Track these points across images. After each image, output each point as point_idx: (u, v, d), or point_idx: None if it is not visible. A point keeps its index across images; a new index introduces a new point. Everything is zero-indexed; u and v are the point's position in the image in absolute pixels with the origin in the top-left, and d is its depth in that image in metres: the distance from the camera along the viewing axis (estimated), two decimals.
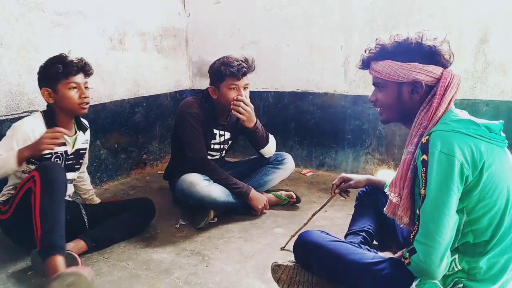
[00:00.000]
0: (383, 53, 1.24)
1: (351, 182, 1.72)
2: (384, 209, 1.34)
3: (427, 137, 1.11)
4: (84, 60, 1.84)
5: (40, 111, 1.86)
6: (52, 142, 1.63)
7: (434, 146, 1.07)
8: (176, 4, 3.42)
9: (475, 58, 2.42)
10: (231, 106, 2.20)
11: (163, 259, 1.84)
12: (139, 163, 3.19)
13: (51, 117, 1.82)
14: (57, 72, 1.76)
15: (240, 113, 2.19)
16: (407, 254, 1.13)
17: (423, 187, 1.10)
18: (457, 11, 2.42)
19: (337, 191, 1.74)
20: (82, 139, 1.98)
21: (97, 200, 2.25)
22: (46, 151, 1.70)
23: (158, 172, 3.19)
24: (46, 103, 1.86)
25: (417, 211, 1.11)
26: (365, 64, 1.31)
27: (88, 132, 2.06)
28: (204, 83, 3.45)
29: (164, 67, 3.35)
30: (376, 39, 1.27)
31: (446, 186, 1.05)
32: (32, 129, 1.75)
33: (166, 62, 3.36)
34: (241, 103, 2.18)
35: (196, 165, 2.23)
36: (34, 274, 1.72)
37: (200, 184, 2.15)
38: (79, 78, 1.82)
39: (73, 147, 1.92)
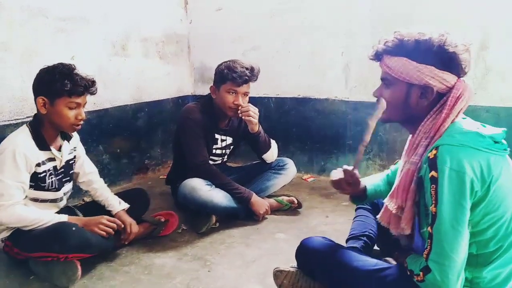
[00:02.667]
0: (400, 48, 1.15)
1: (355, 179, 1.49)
2: (377, 216, 1.31)
3: (434, 151, 1.07)
4: (92, 79, 1.73)
5: (26, 124, 1.74)
6: (106, 230, 1.70)
7: (443, 163, 1.04)
8: (178, 11, 3.45)
9: (475, 65, 2.43)
10: (240, 114, 2.22)
11: (165, 264, 1.84)
12: (141, 168, 3.19)
13: (38, 131, 1.71)
14: (63, 88, 1.63)
15: (252, 117, 2.23)
16: (420, 272, 1.10)
17: (433, 205, 1.06)
18: (457, 18, 2.43)
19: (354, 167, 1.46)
20: (68, 149, 1.86)
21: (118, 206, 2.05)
22: (41, 170, 1.70)
23: (160, 177, 3.20)
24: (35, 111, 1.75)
25: (429, 229, 1.09)
26: (378, 56, 1.22)
27: (74, 140, 1.92)
28: (206, 89, 3.45)
29: (166, 73, 3.37)
30: (395, 32, 1.18)
31: (458, 204, 1.03)
32: (30, 153, 1.65)
33: (168, 68, 3.38)
34: (249, 107, 2.22)
35: (198, 170, 2.24)
36: (35, 279, 1.72)
37: (202, 189, 2.16)
38: (82, 98, 1.71)
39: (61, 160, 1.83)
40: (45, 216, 1.66)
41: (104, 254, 1.88)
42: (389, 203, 1.24)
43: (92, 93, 1.76)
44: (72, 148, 1.91)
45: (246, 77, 2.18)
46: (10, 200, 1.60)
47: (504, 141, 1.12)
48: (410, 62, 1.14)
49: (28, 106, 2.30)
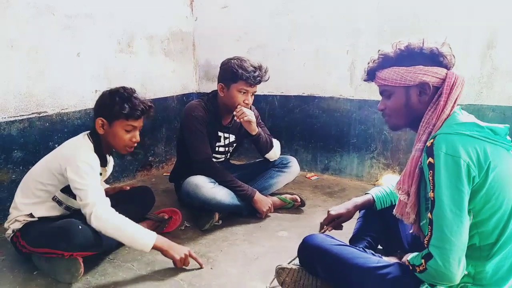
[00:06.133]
0: (387, 61, 1.26)
1: (343, 218, 1.64)
2: (394, 210, 1.35)
3: (431, 140, 1.12)
4: (149, 104, 1.79)
5: (88, 135, 1.78)
6: (186, 263, 1.74)
7: (439, 149, 1.08)
8: (184, 8, 3.45)
9: (482, 64, 2.42)
10: (236, 118, 2.23)
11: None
12: (145, 165, 3.21)
13: (100, 149, 1.77)
14: (121, 111, 1.70)
15: (249, 116, 2.22)
16: (422, 260, 1.12)
17: (431, 190, 1.10)
18: (464, 17, 2.41)
19: (330, 228, 1.65)
20: (112, 165, 1.98)
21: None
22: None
23: (164, 174, 3.21)
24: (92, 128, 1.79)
25: (429, 215, 1.12)
26: (370, 75, 1.33)
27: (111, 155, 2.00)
28: (210, 86, 3.48)
29: (171, 70, 3.37)
30: (379, 50, 1.30)
31: (455, 188, 1.06)
32: (98, 167, 1.72)
33: (173, 65, 3.39)
34: (243, 109, 2.20)
35: (201, 167, 2.24)
36: (39, 274, 1.73)
37: (205, 186, 2.16)
38: (139, 122, 1.77)
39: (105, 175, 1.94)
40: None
41: (108, 251, 1.89)
42: (398, 191, 1.28)
43: (149, 117, 1.83)
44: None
45: (259, 78, 2.18)
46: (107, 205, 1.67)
47: (508, 137, 1.15)
48: (399, 68, 1.24)
49: (33, 103, 2.32)
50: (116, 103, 1.70)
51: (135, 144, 1.81)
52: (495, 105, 2.41)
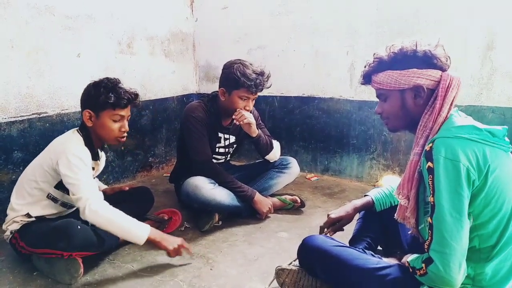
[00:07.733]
0: (382, 65, 1.27)
1: (343, 221, 1.65)
2: (395, 215, 1.34)
3: (430, 144, 1.12)
4: (135, 92, 1.79)
5: (78, 132, 1.77)
6: (179, 253, 1.77)
7: (439, 153, 1.08)
8: (184, 9, 3.46)
9: (482, 65, 2.42)
10: (236, 122, 2.23)
11: (167, 262, 1.85)
12: (145, 165, 3.21)
13: (91, 142, 1.77)
14: (107, 101, 1.69)
15: (248, 118, 2.21)
16: (423, 265, 1.12)
17: (431, 195, 1.10)
18: (463, 18, 2.41)
19: (331, 232, 1.65)
20: (104, 160, 1.98)
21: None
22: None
23: (164, 175, 3.21)
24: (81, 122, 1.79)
25: (429, 219, 1.11)
26: (366, 79, 1.34)
27: (104, 151, 2.01)
28: (210, 87, 3.48)
29: (172, 71, 3.38)
30: (374, 54, 1.30)
31: (455, 192, 1.06)
32: (88, 161, 1.72)
33: (174, 66, 3.39)
34: (241, 112, 2.20)
35: (201, 168, 2.25)
36: (39, 275, 1.73)
37: (205, 187, 2.16)
38: (126, 110, 1.76)
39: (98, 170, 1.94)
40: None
41: (107, 252, 1.89)
42: (398, 196, 1.29)
43: (136, 106, 1.83)
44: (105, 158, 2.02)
45: (261, 86, 2.17)
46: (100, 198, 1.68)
47: (506, 139, 1.15)
48: (393, 72, 1.24)
49: (34, 103, 2.32)
50: (101, 93, 1.69)
51: (125, 134, 1.80)
52: (495, 106, 2.41)
